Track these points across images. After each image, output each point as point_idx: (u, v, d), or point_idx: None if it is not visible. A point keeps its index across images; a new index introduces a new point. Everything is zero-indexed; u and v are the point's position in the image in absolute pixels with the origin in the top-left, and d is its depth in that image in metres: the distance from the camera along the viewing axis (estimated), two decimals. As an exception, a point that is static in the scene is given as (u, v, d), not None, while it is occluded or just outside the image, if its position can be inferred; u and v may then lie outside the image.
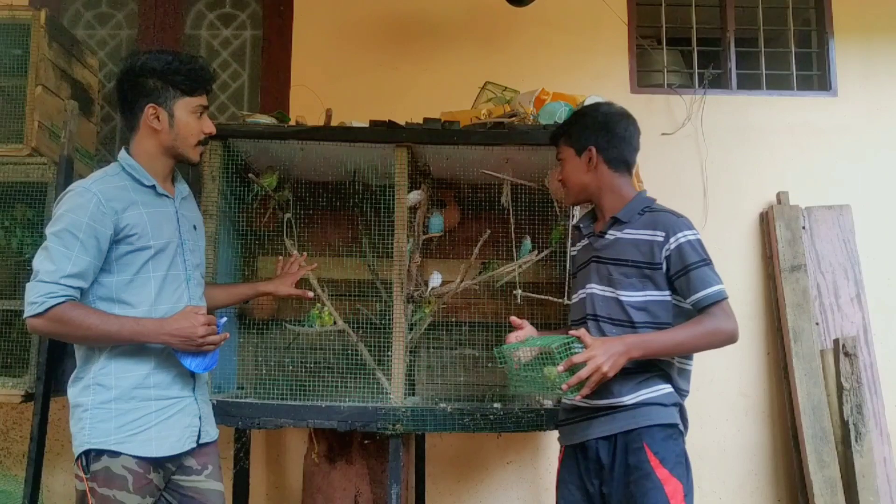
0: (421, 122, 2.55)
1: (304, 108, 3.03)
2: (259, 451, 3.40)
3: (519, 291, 2.61)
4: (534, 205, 2.66)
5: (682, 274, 1.83)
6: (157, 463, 1.81)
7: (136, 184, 1.87)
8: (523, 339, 1.91)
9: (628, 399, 1.85)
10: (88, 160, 2.99)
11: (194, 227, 2.00)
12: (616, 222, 1.94)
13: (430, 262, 2.84)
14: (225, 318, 1.88)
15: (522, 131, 2.52)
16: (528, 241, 2.65)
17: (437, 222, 2.72)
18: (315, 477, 2.89)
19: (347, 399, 2.50)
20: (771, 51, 3.82)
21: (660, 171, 3.46)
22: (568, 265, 2.65)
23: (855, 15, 3.75)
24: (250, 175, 2.64)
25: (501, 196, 2.68)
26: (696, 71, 3.74)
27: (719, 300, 1.81)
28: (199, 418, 1.91)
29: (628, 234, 1.91)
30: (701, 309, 1.82)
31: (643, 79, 3.79)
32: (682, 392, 1.92)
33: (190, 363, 1.82)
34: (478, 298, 2.89)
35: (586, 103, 2.45)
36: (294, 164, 2.71)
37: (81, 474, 1.78)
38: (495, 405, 2.50)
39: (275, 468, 3.43)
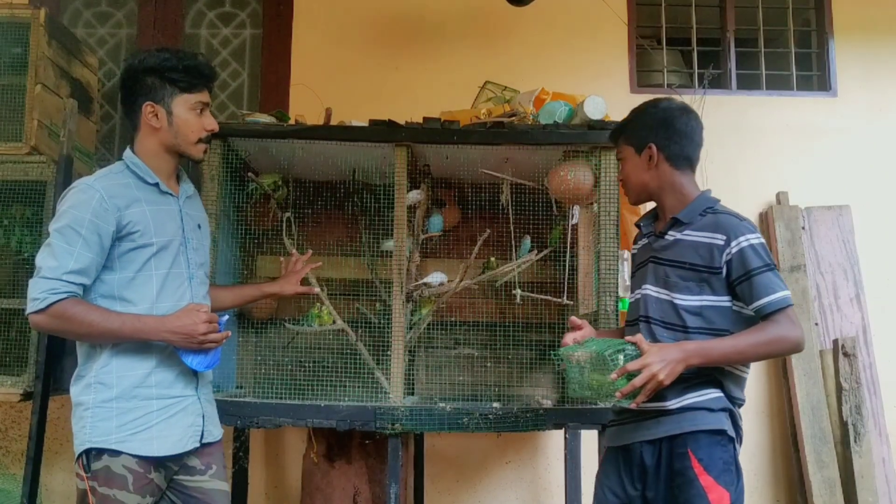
0: (421, 121, 2.55)
1: (304, 107, 3.02)
2: (258, 450, 3.40)
3: (518, 291, 2.61)
4: (533, 204, 2.66)
5: (744, 279, 1.77)
6: (158, 462, 1.80)
7: (139, 181, 1.87)
8: (581, 340, 1.87)
9: (673, 403, 1.79)
10: (88, 159, 2.98)
11: (198, 226, 1.99)
12: (676, 223, 1.88)
13: (429, 261, 2.83)
14: (227, 317, 1.87)
15: (522, 131, 2.52)
16: (527, 241, 2.65)
17: (436, 222, 2.72)
18: (314, 476, 2.89)
19: (346, 398, 2.50)
20: (771, 51, 3.82)
21: (659, 171, 3.45)
22: (567, 265, 2.66)
23: (855, 15, 3.75)
24: (250, 174, 2.64)
25: (501, 195, 2.68)
26: (696, 71, 3.74)
27: (784, 307, 1.74)
28: (203, 417, 1.89)
29: (688, 235, 1.85)
30: (764, 316, 1.75)
31: (643, 79, 3.79)
32: (735, 399, 1.86)
33: (192, 361, 1.81)
34: (477, 298, 2.89)
35: (585, 103, 2.46)
36: (294, 163, 2.71)
37: (82, 473, 1.77)
38: (494, 405, 2.50)
39: (274, 467, 3.43)
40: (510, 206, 2.65)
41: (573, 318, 1.95)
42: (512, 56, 3.65)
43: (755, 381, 3.49)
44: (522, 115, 2.58)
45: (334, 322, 2.57)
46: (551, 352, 1.87)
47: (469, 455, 3.45)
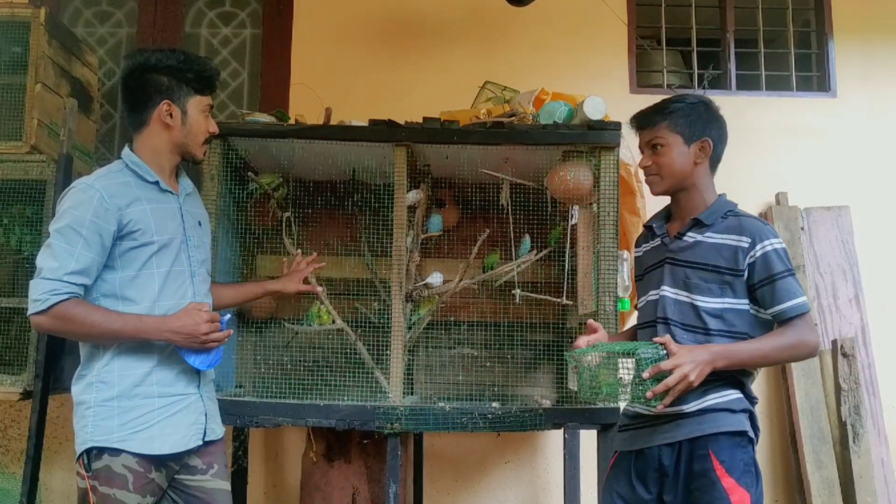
0: (420, 121, 2.55)
1: (304, 106, 3.02)
2: (257, 449, 3.40)
3: (518, 291, 2.61)
4: (533, 204, 2.66)
5: (766, 283, 1.77)
6: (159, 461, 1.80)
7: (139, 180, 1.87)
8: (593, 343, 1.85)
9: (691, 406, 1.78)
10: (87, 158, 2.99)
11: (199, 224, 2.00)
12: (697, 224, 1.87)
13: (429, 261, 2.84)
14: (228, 315, 1.87)
15: (522, 131, 2.52)
16: (527, 241, 2.65)
17: (436, 222, 2.72)
18: (313, 476, 2.89)
19: (346, 398, 2.50)
20: (770, 52, 3.82)
21: (659, 172, 3.46)
22: (567, 265, 2.66)
23: (854, 16, 3.75)
24: (250, 174, 2.64)
25: (501, 195, 2.68)
26: (696, 71, 3.74)
27: (803, 312, 1.76)
28: (205, 416, 1.89)
29: (710, 237, 1.84)
30: (784, 320, 1.77)
31: (643, 79, 3.79)
32: (752, 399, 1.86)
33: (193, 360, 1.81)
34: (476, 298, 2.89)
35: (585, 103, 2.46)
36: (293, 162, 2.71)
37: (83, 472, 1.78)
38: (494, 404, 2.50)
39: (273, 467, 3.43)
40: (510, 206, 2.65)
41: (591, 321, 1.92)
42: (512, 56, 3.65)
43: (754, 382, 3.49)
44: (522, 115, 2.59)
45: (334, 322, 2.58)
46: (565, 353, 1.84)
47: (468, 455, 3.45)
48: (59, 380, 2.58)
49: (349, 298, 2.84)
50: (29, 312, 1.74)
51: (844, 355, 3.29)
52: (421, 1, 3.73)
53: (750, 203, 3.59)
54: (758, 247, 1.79)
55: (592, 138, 2.48)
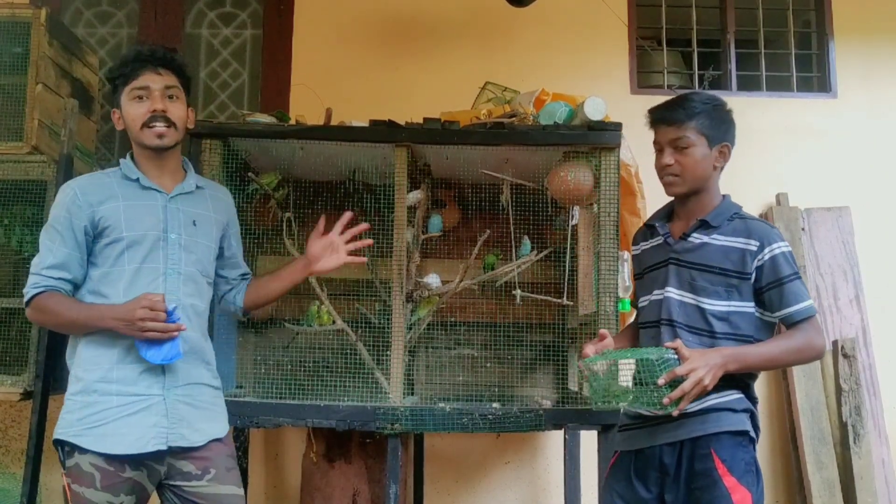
0: (421, 121, 2.55)
1: (304, 107, 3.02)
2: (258, 450, 3.41)
3: (518, 292, 2.61)
4: (533, 205, 2.66)
5: (774, 286, 1.78)
6: (133, 461, 1.78)
7: (123, 179, 1.92)
8: (602, 350, 1.82)
9: (693, 406, 1.76)
10: (88, 158, 2.99)
11: (193, 223, 1.95)
12: (704, 225, 1.86)
13: (429, 261, 2.84)
14: (175, 306, 1.80)
15: (522, 132, 2.52)
16: (527, 242, 2.65)
17: (435, 223, 2.72)
18: (314, 476, 2.89)
19: (346, 398, 2.50)
20: (771, 52, 3.82)
21: (659, 172, 3.46)
22: (567, 266, 2.66)
23: (855, 17, 3.75)
24: (250, 174, 2.64)
25: (501, 196, 2.68)
26: (696, 72, 3.75)
27: (811, 315, 1.77)
28: (167, 418, 1.81)
29: (717, 240, 1.83)
30: (792, 323, 1.77)
31: (643, 80, 3.79)
32: (754, 399, 1.86)
33: (145, 352, 1.77)
34: (477, 298, 2.89)
35: (585, 104, 2.46)
36: (294, 163, 2.71)
37: (62, 469, 1.81)
38: (494, 405, 2.50)
39: (273, 467, 3.43)
40: (510, 207, 2.65)
41: (602, 329, 1.89)
42: (512, 57, 3.65)
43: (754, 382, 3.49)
44: (522, 116, 2.59)
45: (334, 322, 2.58)
46: (577, 362, 1.82)
47: (468, 455, 3.45)
48: (59, 380, 2.58)
49: (350, 299, 2.84)
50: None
51: (845, 356, 3.29)
52: (421, 2, 3.73)
53: (750, 203, 3.59)
54: (766, 250, 1.79)
55: (593, 139, 2.48)
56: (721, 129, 1.88)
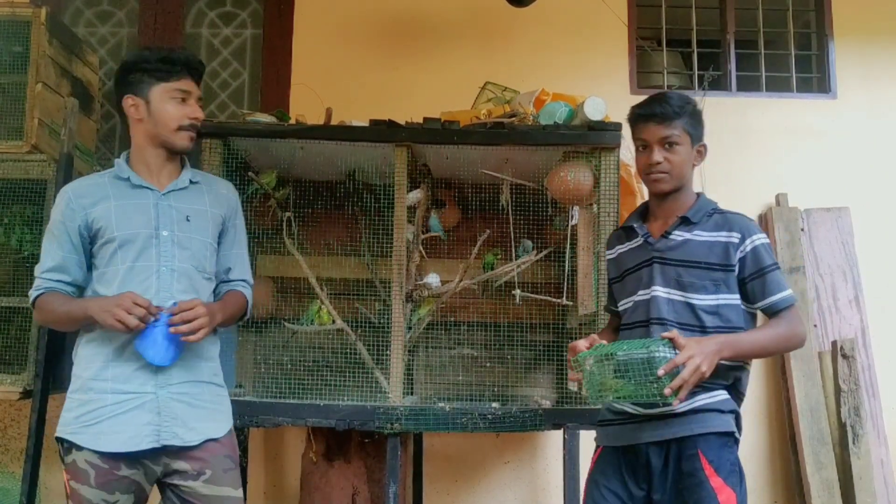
0: (421, 121, 2.55)
1: (305, 106, 3.02)
2: (257, 449, 3.40)
3: (518, 292, 2.61)
4: (533, 205, 2.66)
5: (756, 276, 1.82)
6: (129, 458, 1.79)
7: (115, 179, 1.93)
8: (593, 345, 1.81)
9: (682, 407, 1.78)
10: (88, 157, 2.99)
11: (187, 219, 1.93)
12: (685, 222, 1.89)
13: (429, 261, 2.84)
14: (171, 306, 1.79)
15: (522, 131, 2.52)
16: (528, 244, 2.65)
17: (434, 225, 2.73)
18: (313, 475, 2.89)
19: (346, 398, 2.50)
20: (771, 53, 3.82)
21: (659, 173, 3.46)
22: (567, 266, 2.66)
23: (855, 17, 3.75)
24: (250, 174, 2.64)
25: (501, 196, 2.68)
26: (696, 72, 3.74)
27: (793, 304, 1.82)
28: (160, 416, 1.81)
29: (700, 235, 1.86)
30: (775, 312, 1.82)
31: (643, 80, 3.79)
32: (741, 396, 1.89)
33: (145, 351, 1.77)
34: (476, 298, 2.89)
35: (586, 104, 2.46)
36: (294, 163, 2.71)
37: (62, 465, 1.84)
38: (493, 405, 2.50)
39: (273, 467, 3.43)
40: (510, 207, 2.65)
41: (593, 335, 1.87)
42: (512, 57, 3.65)
43: (754, 383, 3.48)
44: (522, 116, 2.59)
45: (334, 321, 2.58)
46: (571, 359, 1.79)
47: (468, 455, 3.45)
48: (58, 379, 2.58)
49: (349, 298, 2.84)
50: None
51: (844, 357, 3.29)
52: (421, 1, 3.73)
53: (750, 204, 3.59)
54: (747, 241, 1.83)
55: (593, 139, 2.48)
56: (700, 129, 1.95)
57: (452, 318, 2.88)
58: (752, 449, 3.47)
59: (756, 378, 3.49)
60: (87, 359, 1.85)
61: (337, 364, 2.66)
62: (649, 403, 1.76)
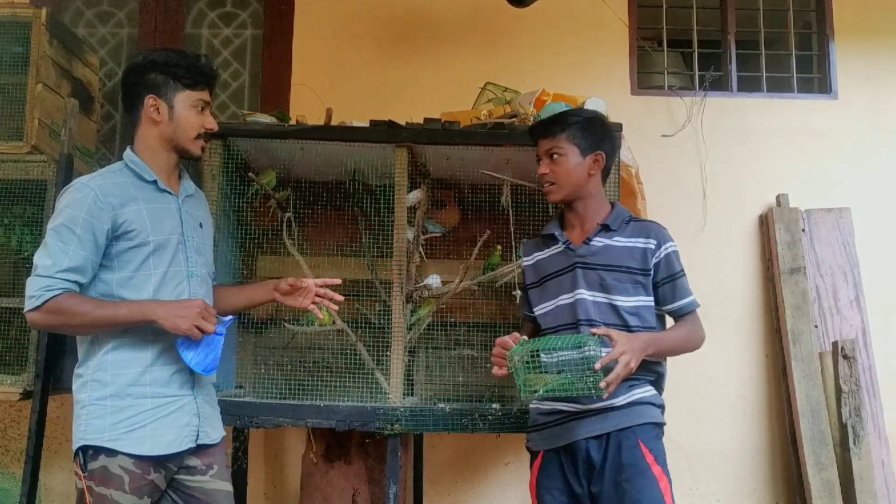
0: (421, 122, 2.55)
1: (305, 107, 3.03)
2: (257, 450, 3.40)
3: (518, 292, 2.61)
4: (533, 206, 2.66)
5: (668, 281, 1.97)
6: (157, 462, 1.80)
7: (137, 180, 1.87)
8: (518, 341, 1.85)
9: (621, 400, 1.90)
10: (88, 158, 2.99)
11: (200, 226, 1.98)
12: (605, 229, 2.01)
13: (429, 262, 2.83)
14: (230, 318, 1.86)
15: (523, 132, 2.51)
16: (496, 254, 2.65)
17: (433, 229, 2.73)
18: (313, 476, 2.88)
19: (346, 399, 2.50)
20: (771, 53, 3.82)
21: (660, 173, 3.46)
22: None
23: (856, 18, 3.75)
24: (250, 174, 2.64)
25: (501, 197, 2.68)
26: (697, 73, 3.74)
27: (696, 308, 1.99)
28: (198, 418, 1.87)
29: (619, 241, 1.99)
30: (681, 315, 1.98)
31: (644, 80, 3.79)
32: (662, 391, 2.02)
33: (190, 360, 1.79)
34: (477, 299, 2.89)
35: (587, 105, 2.46)
36: (294, 163, 2.71)
37: (80, 472, 1.78)
38: (494, 406, 2.50)
39: (273, 467, 3.43)
40: (510, 208, 2.65)
41: (515, 333, 1.92)
42: (513, 57, 3.65)
43: (755, 384, 3.50)
44: (523, 117, 2.59)
45: (334, 322, 2.57)
46: (508, 353, 1.82)
47: (468, 456, 3.45)
48: (59, 380, 2.58)
49: (349, 299, 2.84)
50: (25, 309, 1.76)
51: (845, 357, 3.29)
52: (422, 2, 3.73)
53: (750, 204, 3.60)
54: (662, 248, 1.97)
55: (593, 139, 2.47)
56: (593, 139, 2.02)
57: (453, 319, 2.88)
58: (753, 450, 3.47)
59: (757, 379, 3.50)
60: (120, 365, 1.80)
61: (337, 365, 2.66)
62: (584, 397, 1.83)
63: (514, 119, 2.57)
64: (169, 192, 1.92)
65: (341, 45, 3.68)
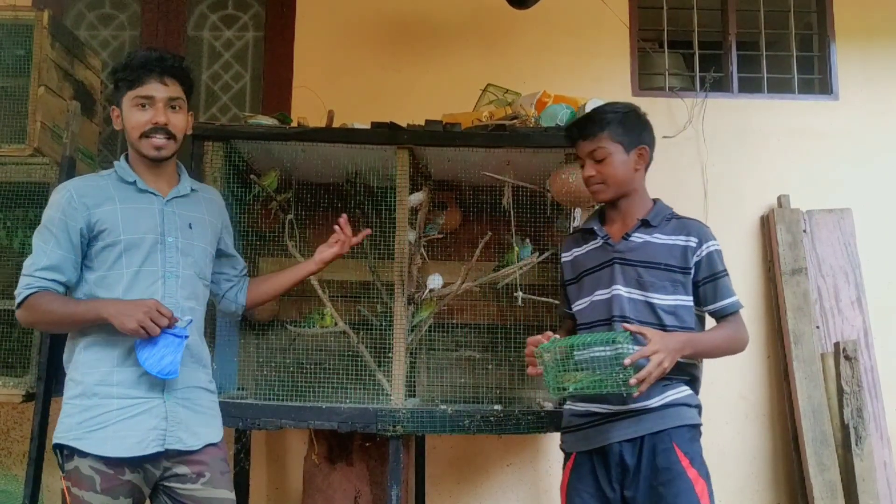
0: (422, 123, 2.56)
1: (306, 109, 3.03)
2: (259, 451, 3.40)
3: (520, 293, 2.61)
4: (535, 207, 2.66)
5: (709, 280, 1.90)
6: (132, 463, 1.78)
7: (119, 181, 1.90)
8: (548, 339, 1.82)
9: (655, 402, 1.85)
10: (90, 160, 2.99)
11: (189, 226, 1.95)
12: (645, 225, 1.95)
13: (430, 264, 2.84)
14: (188, 323, 1.81)
15: (524, 134, 2.52)
16: (528, 245, 2.64)
17: (429, 230, 2.73)
18: (315, 478, 2.89)
19: (348, 400, 2.50)
20: (772, 54, 3.82)
21: (661, 174, 3.41)
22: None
23: (856, 19, 3.75)
24: (252, 176, 2.64)
25: (502, 198, 2.68)
26: (698, 74, 3.74)
27: (739, 309, 1.92)
28: (166, 421, 1.81)
29: (659, 238, 1.93)
30: (723, 316, 1.91)
31: (644, 82, 3.79)
32: (698, 392, 1.95)
33: (144, 360, 1.75)
34: (478, 300, 2.89)
35: (588, 106, 2.46)
36: (296, 165, 2.71)
37: (60, 472, 1.80)
38: (495, 407, 2.50)
39: (275, 469, 3.43)
40: (511, 209, 2.66)
41: (548, 332, 1.88)
42: (514, 59, 3.65)
43: (756, 384, 3.49)
44: (524, 118, 2.59)
45: (336, 324, 2.58)
46: (535, 350, 1.79)
47: (470, 457, 3.45)
48: (61, 382, 2.55)
49: (351, 301, 2.84)
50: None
51: (847, 358, 3.29)
52: (423, 3, 3.73)
53: (751, 205, 3.60)
54: (703, 246, 1.91)
55: (594, 141, 2.47)
56: (636, 134, 1.97)
57: (454, 321, 2.88)
58: (755, 451, 3.47)
59: (758, 380, 3.49)
60: (89, 364, 1.81)
61: (339, 367, 2.66)
62: (614, 396, 1.80)
63: (515, 121, 2.57)
64: (151, 193, 1.91)
65: (342, 48, 3.69)
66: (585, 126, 1.98)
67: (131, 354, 1.80)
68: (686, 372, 1.90)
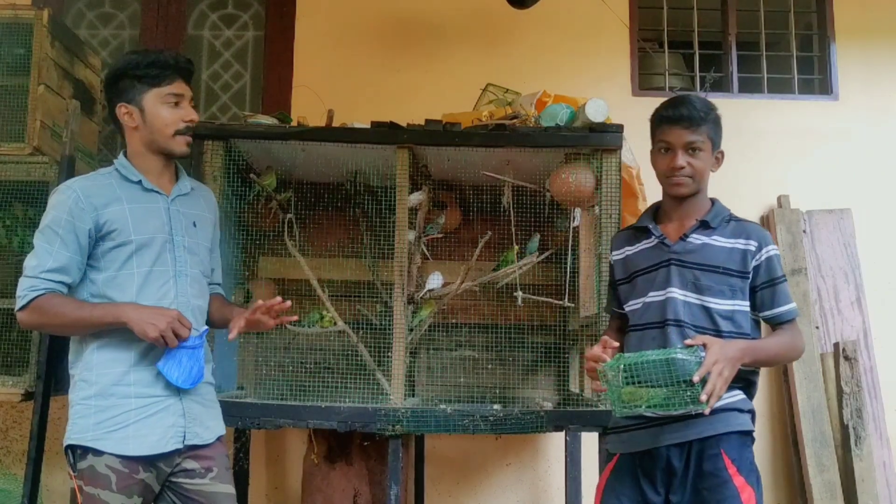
0: (422, 123, 2.55)
1: (306, 108, 3.02)
2: (259, 451, 3.40)
3: (519, 293, 2.61)
4: (534, 207, 2.66)
5: (767, 286, 1.84)
6: (146, 462, 1.78)
7: (122, 180, 1.88)
8: (609, 351, 1.77)
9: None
10: (90, 160, 2.99)
11: (193, 224, 1.95)
12: (704, 226, 1.89)
13: (430, 263, 2.84)
14: (203, 332, 1.82)
15: (524, 133, 2.52)
16: (536, 239, 2.63)
17: (430, 230, 2.73)
18: (314, 477, 2.89)
19: (347, 400, 2.50)
20: (772, 54, 3.82)
21: (661, 174, 3.46)
22: (569, 267, 2.65)
23: (856, 19, 3.76)
24: (252, 176, 2.64)
25: (502, 198, 2.68)
26: (698, 74, 3.75)
27: (796, 316, 1.86)
28: (184, 418, 1.83)
29: (718, 241, 1.87)
30: (781, 322, 1.85)
31: (644, 82, 3.79)
32: (753, 397, 1.89)
33: (168, 373, 1.76)
34: (478, 300, 2.89)
35: (587, 106, 2.46)
36: (295, 164, 2.71)
37: (70, 472, 1.79)
38: (495, 407, 2.50)
39: (274, 468, 3.43)
40: (511, 209, 2.65)
41: (604, 336, 1.84)
42: (514, 58, 3.65)
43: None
44: (524, 118, 2.59)
45: (335, 323, 2.58)
46: (598, 369, 1.73)
47: (469, 457, 3.45)
48: (60, 381, 2.58)
49: (351, 300, 2.84)
50: (15, 309, 1.80)
51: (846, 358, 3.29)
52: (423, 3, 3.73)
53: (752, 205, 3.59)
54: (763, 251, 1.85)
55: (594, 141, 2.48)
56: (720, 136, 1.92)
57: (454, 320, 2.88)
58: (755, 450, 3.45)
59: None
60: (104, 364, 1.80)
61: (339, 366, 2.66)
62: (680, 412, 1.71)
63: (514, 120, 2.57)
64: (156, 192, 1.90)
65: (342, 47, 3.69)
66: (690, 113, 1.86)
67: (147, 355, 1.81)
68: (742, 377, 1.80)
